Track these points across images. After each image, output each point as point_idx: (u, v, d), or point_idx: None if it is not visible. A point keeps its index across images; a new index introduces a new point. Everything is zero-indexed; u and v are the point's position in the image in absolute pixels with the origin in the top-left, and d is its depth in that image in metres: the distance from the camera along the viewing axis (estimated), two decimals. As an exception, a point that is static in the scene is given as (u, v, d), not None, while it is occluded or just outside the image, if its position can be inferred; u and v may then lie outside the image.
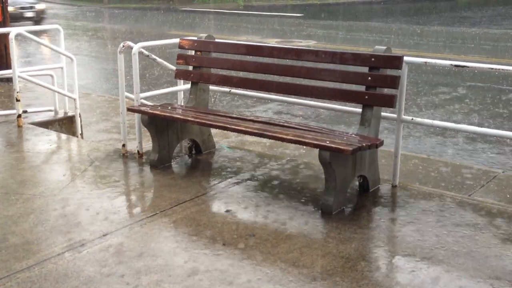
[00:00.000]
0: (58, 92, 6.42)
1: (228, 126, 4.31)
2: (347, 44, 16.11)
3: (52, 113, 6.54)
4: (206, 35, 5.18)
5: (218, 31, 19.77)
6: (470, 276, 3.13)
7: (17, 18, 20.43)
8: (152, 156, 4.86)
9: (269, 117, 8.04)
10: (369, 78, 4.16)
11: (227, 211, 3.96)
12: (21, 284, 3.05)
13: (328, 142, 3.80)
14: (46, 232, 3.63)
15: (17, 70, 5.98)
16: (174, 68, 5.36)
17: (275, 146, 5.90)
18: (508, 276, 3.13)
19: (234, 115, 4.79)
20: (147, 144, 5.23)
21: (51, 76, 6.55)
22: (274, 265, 3.23)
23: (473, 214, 3.93)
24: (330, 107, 4.97)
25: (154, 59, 5.25)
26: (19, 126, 6.00)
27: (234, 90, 5.40)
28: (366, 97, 4.16)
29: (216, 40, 5.15)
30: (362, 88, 4.23)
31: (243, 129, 4.23)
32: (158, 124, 4.77)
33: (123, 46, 4.97)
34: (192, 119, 4.52)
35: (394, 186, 4.41)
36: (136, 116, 4.98)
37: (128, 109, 4.82)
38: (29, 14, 21.44)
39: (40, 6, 22.34)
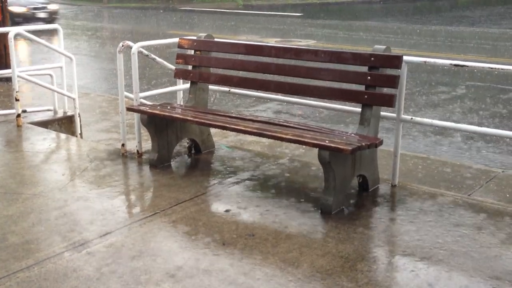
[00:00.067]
0: (58, 92, 6.42)
1: (228, 125, 4.31)
2: (347, 44, 16.11)
3: (52, 113, 6.54)
4: (205, 34, 5.17)
5: (217, 30, 19.76)
6: (470, 276, 3.13)
7: (29, 19, 19.98)
8: (152, 155, 4.86)
9: (268, 116, 8.03)
10: (369, 77, 4.16)
11: (227, 210, 3.96)
12: (21, 283, 3.05)
13: (327, 141, 3.80)
14: (45, 231, 3.63)
15: (16, 69, 5.98)
16: (173, 67, 5.36)
17: (274, 145, 5.90)
18: (508, 276, 3.13)
19: (234, 115, 4.79)
20: (147, 144, 5.23)
21: (51, 75, 6.55)
22: (274, 264, 3.22)
23: (473, 214, 3.93)
24: (330, 107, 4.97)
25: (154, 59, 5.25)
26: (19, 126, 6.00)
27: (233, 90, 5.39)
28: (366, 96, 4.16)
29: (216, 39, 5.15)
30: (361, 87, 4.23)
31: (243, 128, 4.23)
32: (158, 124, 4.76)
33: (123, 45, 4.96)
34: (192, 118, 4.52)
35: (393, 186, 4.41)
36: (136, 115, 4.98)
37: (128, 109, 4.81)
38: (41, 14, 20.92)
39: (52, 7, 21.83)
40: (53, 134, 5.91)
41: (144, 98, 5.22)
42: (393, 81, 4.07)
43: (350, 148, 3.68)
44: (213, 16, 26.34)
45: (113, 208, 3.98)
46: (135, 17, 26.73)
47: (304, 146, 5.33)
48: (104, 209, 3.96)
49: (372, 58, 4.16)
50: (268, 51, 4.88)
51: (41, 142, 5.54)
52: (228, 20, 24.22)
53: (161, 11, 29.74)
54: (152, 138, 4.85)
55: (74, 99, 6.34)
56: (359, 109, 4.25)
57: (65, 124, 6.49)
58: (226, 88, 5.38)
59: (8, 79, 7.46)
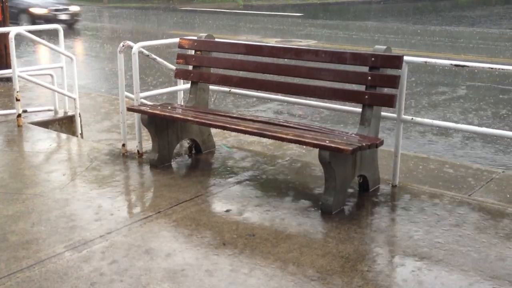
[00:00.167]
0: (58, 92, 6.42)
1: (228, 125, 4.31)
2: (347, 44, 16.12)
3: (52, 113, 6.54)
4: (206, 34, 5.17)
5: (217, 30, 19.76)
6: (470, 276, 3.13)
7: (51, 21, 18.87)
8: (152, 155, 4.86)
9: (269, 116, 8.04)
10: (369, 77, 4.16)
11: (227, 210, 3.96)
12: (21, 283, 3.05)
13: (328, 141, 3.80)
14: (46, 231, 3.63)
15: (17, 69, 5.98)
16: (174, 67, 5.36)
17: (275, 145, 5.90)
18: (508, 276, 3.13)
19: (234, 115, 4.79)
20: (147, 144, 5.23)
21: (51, 75, 6.56)
22: (274, 264, 3.23)
23: (473, 214, 3.93)
24: (330, 107, 4.97)
25: (154, 59, 5.25)
26: (19, 126, 6.00)
27: (234, 90, 5.40)
28: (366, 96, 4.16)
29: (216, 39, 5.15)
30: (362, 87, 4.23)
31: (243, 128, 4.23)
32: (158, 124, 4.77)
33: (123, 45, 4.97)
34: (192, 118, 4.52)
35: (394, 186, 4.41)
36: (136, 115, 4.98)
37: (128, 109, 4.81)
38: (63, 16, 20.43)
39: (74, 8, 21.10)
40: (53, 134, 5.91)
41: (145, 98, 5.22)
42: (394, 81, 4.08)
43: (350, 148, 3.68)
44: (213, 16, 26.34)
45: (114, 208, 3.99)
46: (135, 17, 26.74)
47: (304, 146, 5.33)
48: (105, 209, 3.97)
49: (373, 58, 4.16)
50: (268, 51, 4.89)
51: (42, 142, 5.54)
52: (228, 20, 24.23)
53: (162, 11, 29.74)
54: (153, 138, 4.85)
55: (74, 99, 6.34)
56: (360, 109, 4.25)
57: (65, 124, 6.49)
58: (226, 88, 5.38)
59: (9, 79, 7.46)
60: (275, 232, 3.63)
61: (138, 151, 5.08)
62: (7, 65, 7.53)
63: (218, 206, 4.06)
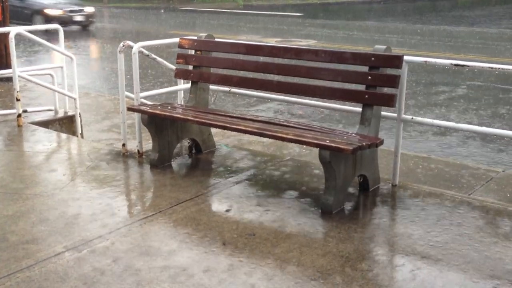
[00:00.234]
0: (58, 92, 6.42)
1: (228, 125, 4.31)
2: (347, 44, 16.12)
3: (52, 113, 6.54)
4: (206, 34, 5.17)
5: (218, 30, 19.76)
6: (470, 275, 3.13)
7: (66, 22, 18.96)
8: (152, 155, 4.86)
9: (269, 116, 8.04)
10: (369, 77, 4.16)
11: (227, 210, 3.96)
12: (21, 283, 3.05)
13: (328, 141, 3.80)
14: (46, 231, 3.63)
15: (17, 69, 5.98)
16: (174, 67, 5.36)
17: (275, 145, 5.90)
18: (508, 276, 3.13)
19: (234, 115, 4.79)
20: (147, 144, 5.23)
21: (51, 75, 6.56)
22: (274, 264, 3.23)
23: (473, 213, 3.93)
24: (330, 107, 4.97)
25: (154, 59, 5.25)
26: (19, 126, 6.00)
27: (234, 90, 5.40)
28: (366, 96, 4.16)
29: (216, 39, 5.15)
30: (362, 87, 4.23)
31: (243, 128, 4.23)
32: (158, 124, 4.77)
33: (123, 45, 4.97)
34: (192, 118, 4.52)
35: (394, 185, 4.41)
36: (136, 115, 4.98)
37: (128, 109, 4.82)
38: (78, 17, 20.19)
39: (89, 9, 20.87)
40: (53, 134, 5.91)
41: (145, 98, 5.22)
42: (394, 81, 4.08)
43: (351, 148, 3.68)
44: (213, 16, 26.34)
45: (114, 208, 3.99)
46: (135, 17, 26.74)
47: (305, 146, 5.33)
48: (105, 209, 3.97)
49: (373, 58, 4.16)
50: (268, 51, 4.89)
51: (42, 142, 5.54)
52: (228, 20, 24.23)
53: (162, 11, 29.75)
54: (153, 138, 4.85)
55: (74, 99, 6.34)
56: (360, 109, 4.25)
57: (65, 124, 6.49)
58: (226, 88, 5.38)
59: (9, 79, 7.46)
60: (275, 232, 3.63)
61: (138, 151, 5.08)
62: (7, 65, 7.53)
63: (218, 206, 4.06)
